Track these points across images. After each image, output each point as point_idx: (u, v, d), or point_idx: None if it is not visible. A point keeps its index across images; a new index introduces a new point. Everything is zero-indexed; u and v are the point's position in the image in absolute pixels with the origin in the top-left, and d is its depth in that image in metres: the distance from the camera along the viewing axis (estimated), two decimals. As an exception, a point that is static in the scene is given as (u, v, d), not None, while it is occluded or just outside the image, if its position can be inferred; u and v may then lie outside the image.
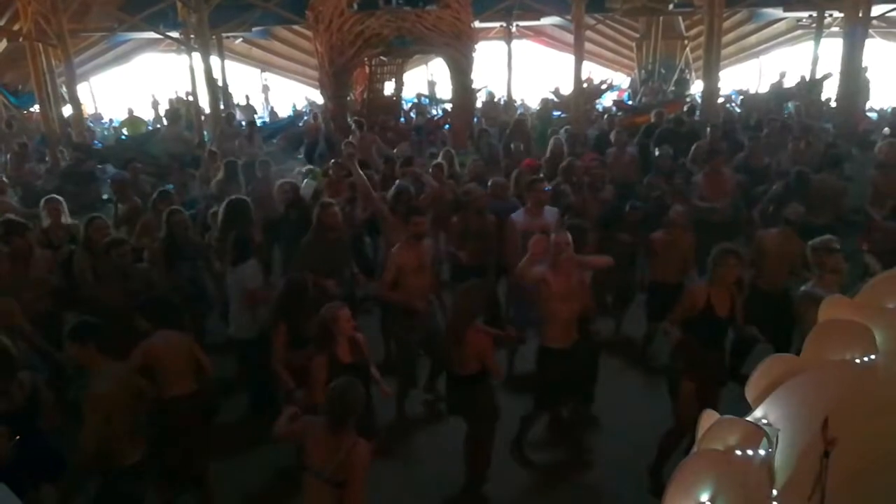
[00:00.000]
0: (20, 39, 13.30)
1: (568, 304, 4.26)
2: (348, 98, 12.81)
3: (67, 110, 13.47)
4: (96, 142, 13.41)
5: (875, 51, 16.37)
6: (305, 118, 16.08)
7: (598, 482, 4.46)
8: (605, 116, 12.38)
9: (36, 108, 14.34)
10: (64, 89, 13.60)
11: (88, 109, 17.40)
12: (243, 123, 13.05)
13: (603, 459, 4.63)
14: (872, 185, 6.76)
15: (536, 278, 4.33)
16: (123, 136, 14.74)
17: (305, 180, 6.74)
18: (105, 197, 8.96)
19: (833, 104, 13.11)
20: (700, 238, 5.49)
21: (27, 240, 5.14)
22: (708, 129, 8.89)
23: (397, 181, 6.42)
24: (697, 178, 7.05)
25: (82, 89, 15.39)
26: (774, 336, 4.62)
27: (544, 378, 4.44)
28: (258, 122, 15.34)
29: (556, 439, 4.86)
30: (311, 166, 7.73)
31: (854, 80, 11.35)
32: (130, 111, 16.22)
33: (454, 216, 5.90)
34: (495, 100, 16.95)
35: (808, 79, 15.22)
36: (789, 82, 15.65)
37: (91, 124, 15.74)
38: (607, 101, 16.99)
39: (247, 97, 18.33)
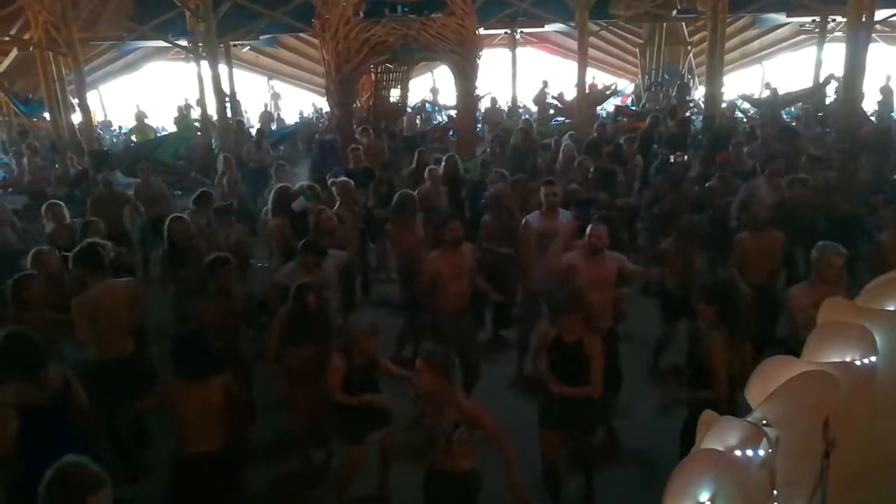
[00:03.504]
0: (30, 48, 13.46)
1: (596, 293, 4.30)
2: (354, 105, 12.88)
3: (77, 118, 13.62)
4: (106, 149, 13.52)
5: (879, 55, 16.28)
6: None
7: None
8: (610, 123, 12.35)
9: (45, 115, 14.46)
10: (74, 97, 13.74)
11: (98, 117, 17.51)
12: (252, 131, 13.16)
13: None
14: None
15: (566, 264, 4.48)
16: (132, 143, 14.88)
17: (301, 197, 6.39)
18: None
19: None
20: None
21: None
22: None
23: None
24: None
25: (92, 97, 15.47)
26: (758, 333, 4.53)
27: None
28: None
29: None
30: (311, 183, 7.10)
31: (857, 84, 11.33)
32: (139, 118, 16.31)
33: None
34: (497, 106, 16.98)
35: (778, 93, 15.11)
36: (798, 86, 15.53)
37: (101, 132, 15.86)
38: (610, 106, 17.01)
39: (265, 105, 18.57)
